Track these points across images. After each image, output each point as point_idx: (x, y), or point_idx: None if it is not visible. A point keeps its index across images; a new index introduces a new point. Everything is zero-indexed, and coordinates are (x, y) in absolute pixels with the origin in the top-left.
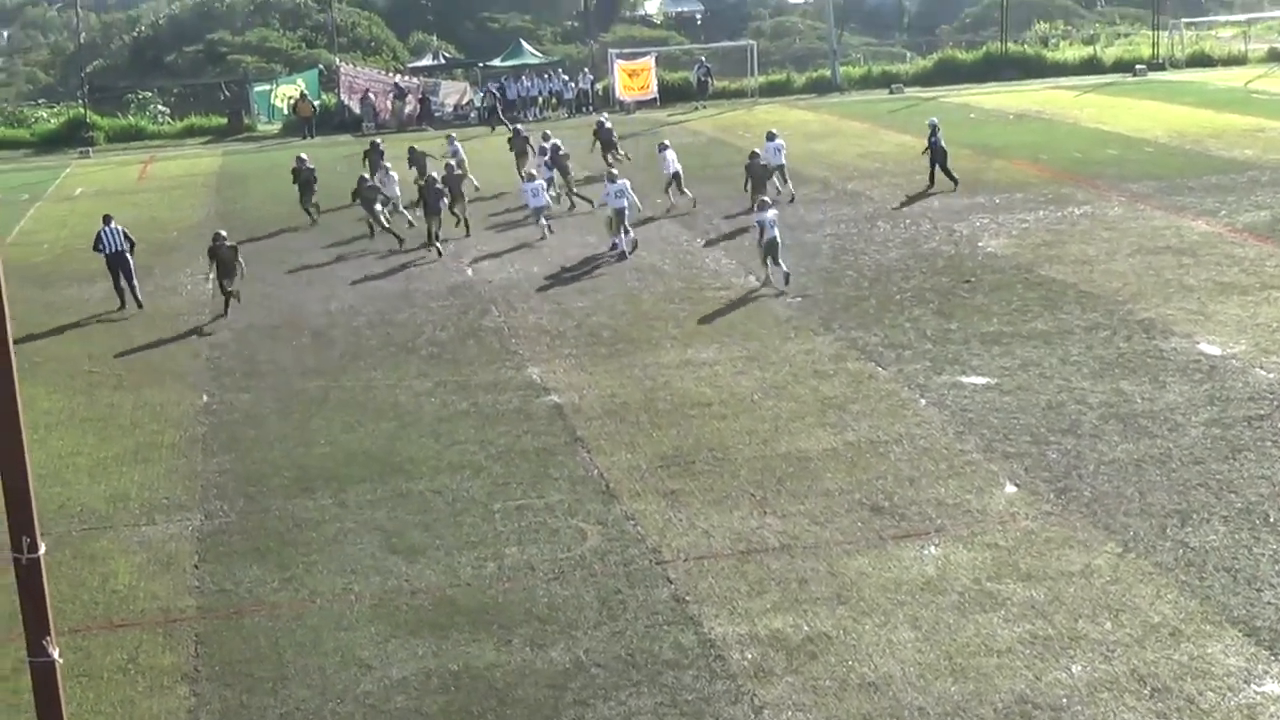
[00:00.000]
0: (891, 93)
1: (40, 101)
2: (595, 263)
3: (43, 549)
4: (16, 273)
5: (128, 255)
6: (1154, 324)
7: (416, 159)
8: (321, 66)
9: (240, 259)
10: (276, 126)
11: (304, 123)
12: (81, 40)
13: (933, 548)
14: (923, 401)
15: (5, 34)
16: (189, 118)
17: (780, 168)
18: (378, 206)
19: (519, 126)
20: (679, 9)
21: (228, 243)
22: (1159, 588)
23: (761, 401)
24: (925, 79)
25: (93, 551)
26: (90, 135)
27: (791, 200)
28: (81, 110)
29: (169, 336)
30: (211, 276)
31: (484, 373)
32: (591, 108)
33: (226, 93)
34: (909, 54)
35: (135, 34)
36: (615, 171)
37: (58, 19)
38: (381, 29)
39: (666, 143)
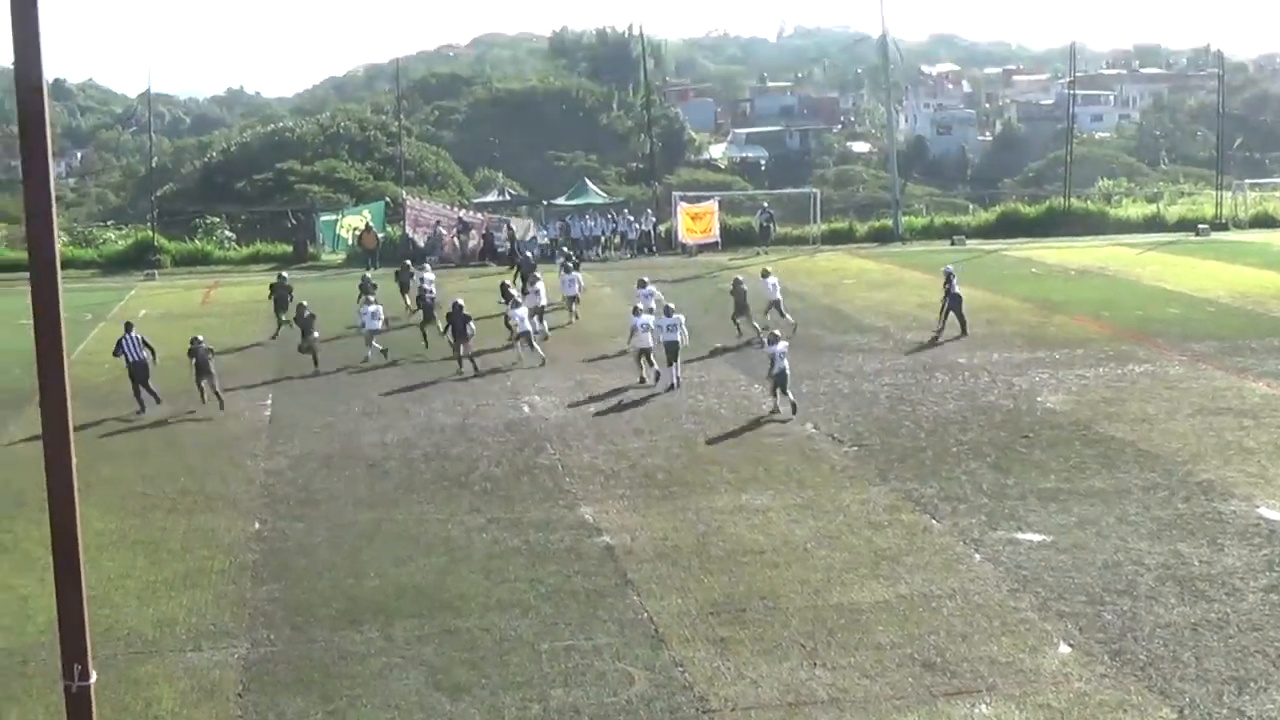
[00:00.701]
0: (953, 244)
1: (109, 223)
2: (651, 402)
3: (94, 677)
4: (77, 393)
5: (149, 364)
6: (1213, 486)
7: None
8: (388, 199)
9: (212, 362)
10: (341, 257)
11: (368, 254)
12: (153, 164)
13: (984, 706)
14: (977, 557)
15: (79, 155)
16: (255, 244)
17: (776, 302)
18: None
19: (529, 254)
20: (743, 154)
21: (204, 344)
22: None
23: (814, 550)
24: (987, 231)
25: (138, 676)
26: (157, 258)
27: (794, 330)
28: (149, 233)
29: (224, 462)
30: (192, 376)
31: (536, 510)
32: (654, 249)
33: (293, 221)
34: (971, 206)
35: (206, 160)
36: (671, 306)
37: (130, 142)
38: (449, 164)
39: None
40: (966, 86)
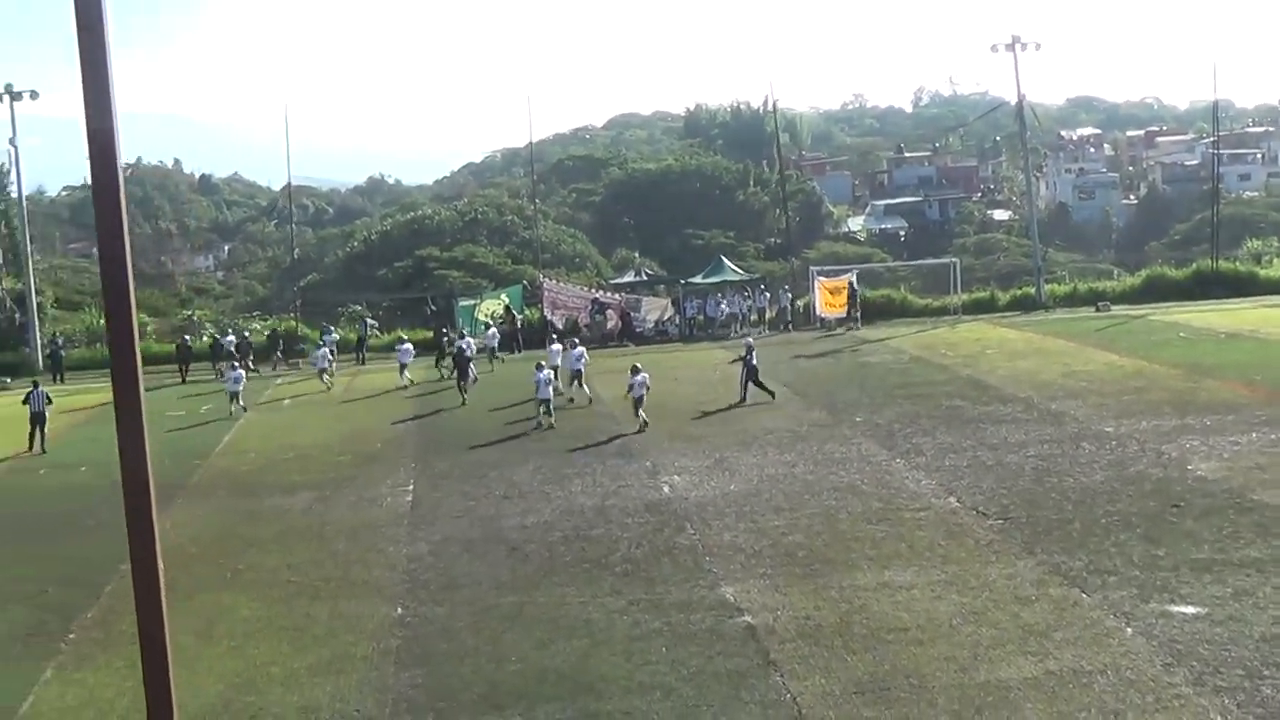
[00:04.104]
0: (1098, 310)
1: (255, 314)
2: (793, 480)
3: None
4: (223, 482)
5: (46, 413)
6: None
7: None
8: (525, 282)
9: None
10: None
11: (509, 337)
12: (295, 255)
13: None
14: (1129, 630)
15: (227, 248)
16: (396, 331)
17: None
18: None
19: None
20: (882, 226)
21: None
22: None
23: (960, 627)
24: (1133, 296)
25: None
26: (301, 348)
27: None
28: (293, 323)
29: (367, 548)
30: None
31: (677, 591)
32: (790, 324)
33: (433, 306)
34: (1116, 271)
35: (348, 249)
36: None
37: (275, 234)
38: (586, 245)
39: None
40: (1108, 149)
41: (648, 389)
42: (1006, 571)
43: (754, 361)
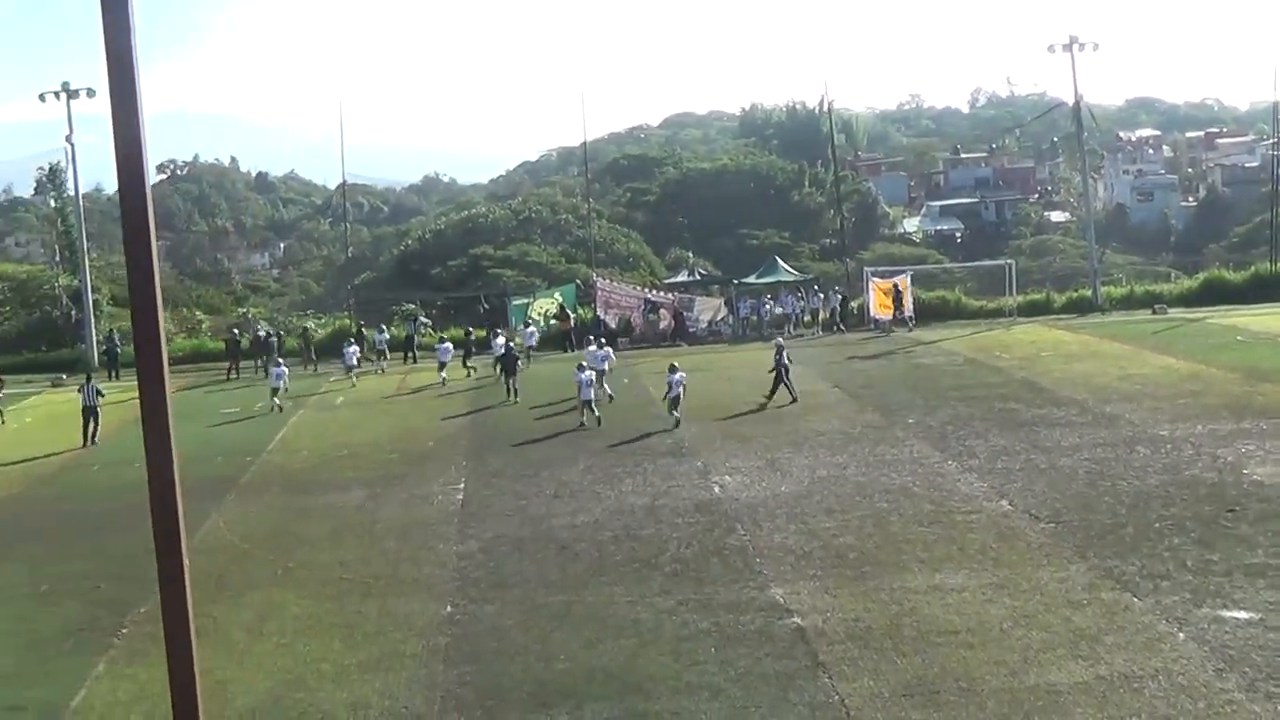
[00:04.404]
0: (1155, 313)
1: (309, 312)
2: (844, 481)
3: None
4: (275, 479)
5: (98, 407)
6: None
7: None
8: (579, 281)
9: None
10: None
11: (562, 336)
12: (350, 253)
13: None
14: (1181, 635)
15: (282, 246)
16: (450, 329)
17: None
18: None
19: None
20: (938, 227)
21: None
22: None
23: (1011, 631)
24: (1191, 299)
25: None
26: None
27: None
28: (348, 321)
29: (418, 546)
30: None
31: (726, 592)
32: (843, 325)
33: (486, 305)
34: (1174, 273)
35: (403, 247)
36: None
37: (330, 232)
38: (640, 245)
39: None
40: (1167, 151)
41: (685, 387)
42: (1058, 575)
43: (786, 361)
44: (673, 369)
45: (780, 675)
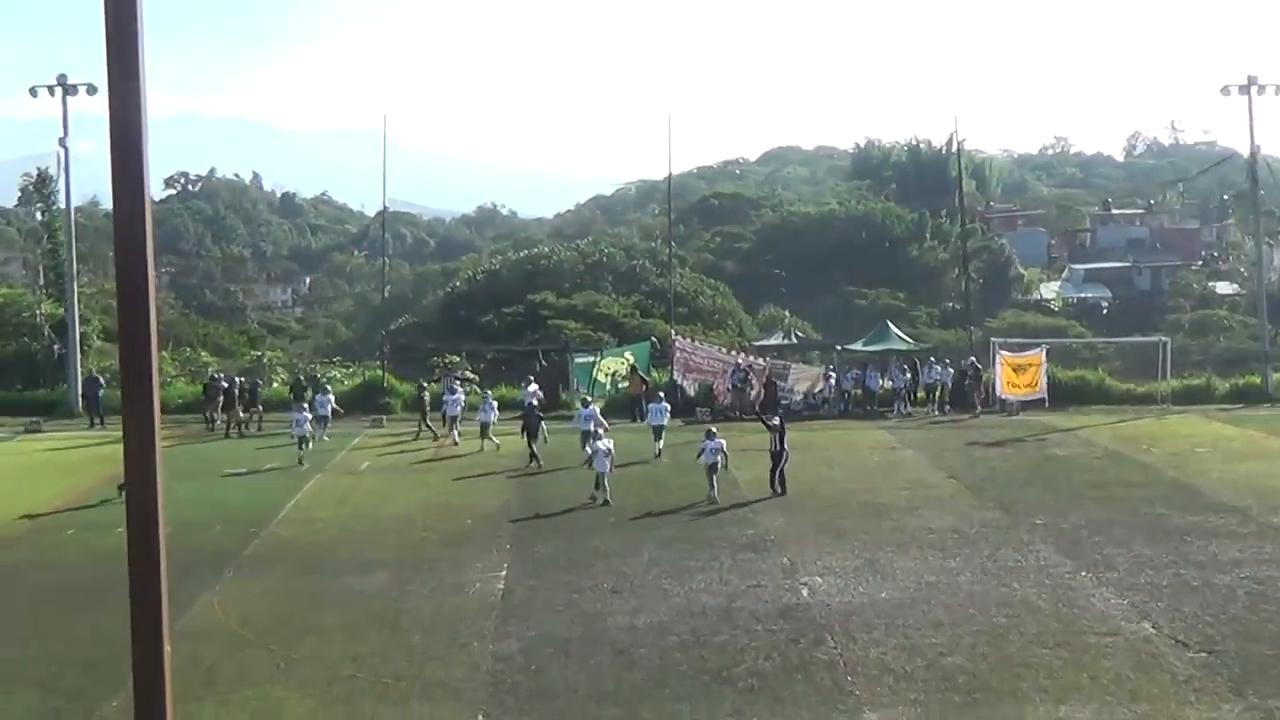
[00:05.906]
0: None
1: (336, 359)
2: (956, 590)
3: None
4: (284, 555)
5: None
6: None
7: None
8: (654, 338)
9: None
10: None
11: (633, 402)
12: (387, 293)
13: None
14: None
15: (307, 280)
16: (499, 388)
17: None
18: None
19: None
20: (1081, 294)
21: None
22: None
23: None
24: None
25: None
26: (386, 402)
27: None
28: (379, 373)
29: (447, 642)
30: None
31: (811, 715)
32: (978, 406)
33: (544, 362)
34: None
35: (450, 289)
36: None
37: (365, 266)
38: (728, 299)
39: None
40: None
41: (725, 456)
42: (1209, 715)
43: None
44: (710, 434)
45: None
